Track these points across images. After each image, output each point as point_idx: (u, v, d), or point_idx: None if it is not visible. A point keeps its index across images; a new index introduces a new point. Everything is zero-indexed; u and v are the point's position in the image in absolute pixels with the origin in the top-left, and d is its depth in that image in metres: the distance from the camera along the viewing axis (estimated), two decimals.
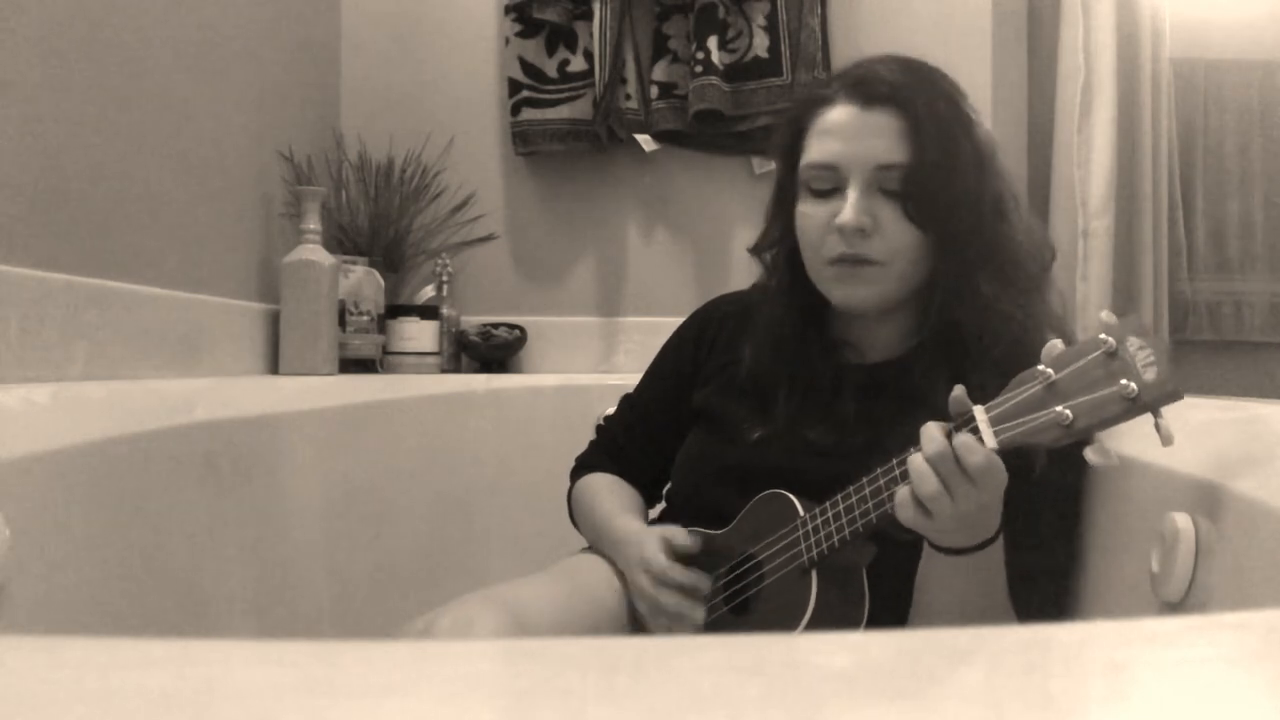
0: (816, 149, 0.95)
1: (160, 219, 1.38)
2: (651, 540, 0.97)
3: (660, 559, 0.95)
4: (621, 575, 1.02)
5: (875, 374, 0.99)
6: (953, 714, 0.25)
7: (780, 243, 1.02)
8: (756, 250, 1.06)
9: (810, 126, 0.96)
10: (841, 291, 0.95)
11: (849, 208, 0.91)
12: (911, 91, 0.92)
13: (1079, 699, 0.27)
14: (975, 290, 0.91)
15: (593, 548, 1.11)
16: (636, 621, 1.02)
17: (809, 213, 0.96)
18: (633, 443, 1.15)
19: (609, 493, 1.11)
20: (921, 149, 0.90)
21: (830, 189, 0.94)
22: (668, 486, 1.13)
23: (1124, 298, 2.00)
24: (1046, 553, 0.90)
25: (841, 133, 0.93)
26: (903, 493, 0.76)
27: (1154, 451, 0.82)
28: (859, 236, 0.91)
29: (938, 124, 0.91)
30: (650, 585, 0.95)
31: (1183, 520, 0.74)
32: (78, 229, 1.19)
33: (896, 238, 0.92)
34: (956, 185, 0.91)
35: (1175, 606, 0.74)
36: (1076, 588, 0.95)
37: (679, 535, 0.97)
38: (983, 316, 0.91)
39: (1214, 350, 2.48)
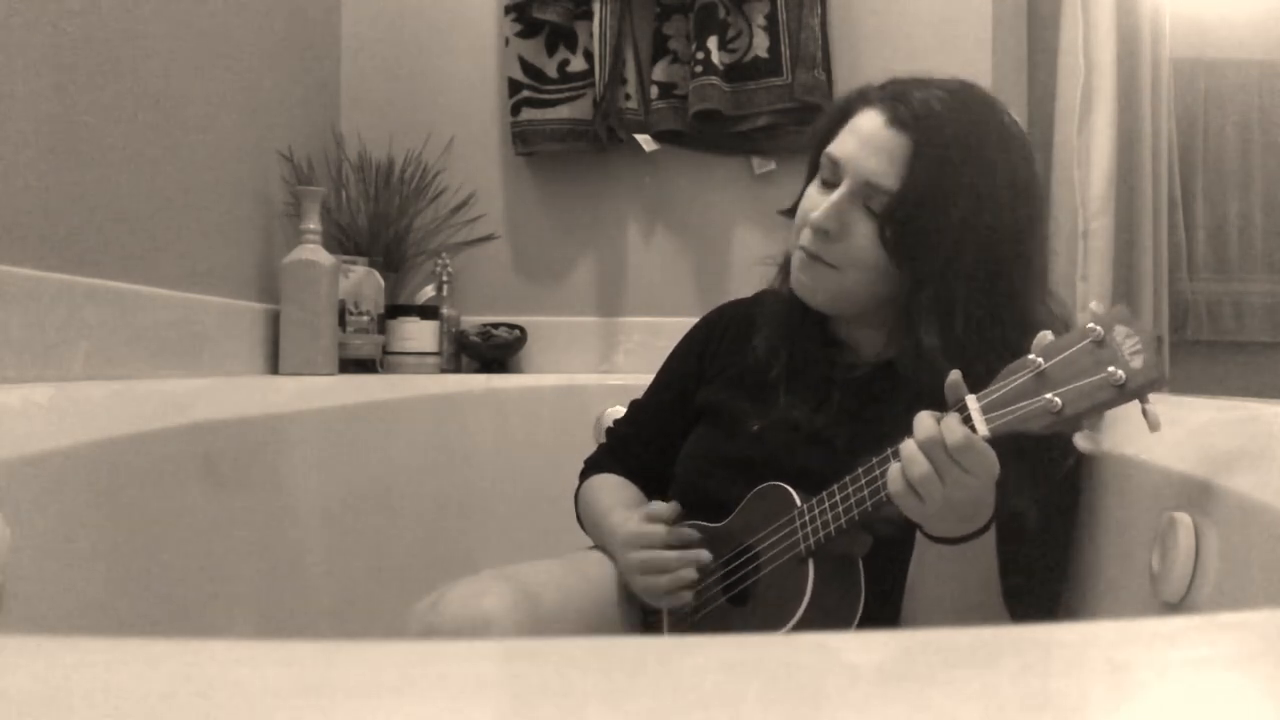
0: (837, 142, 0.96)
1: (160, 219, 1.38)
2: (634, 516, 1.00)
3: (643, 526, 0.98)
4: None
5: (868, 373, 1.00)
6: (953, 714, 0.25)
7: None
8: (789, 214, 1.06)
9: (849, 118, 0.97)
10: (796, 279, 0.97)
11: (822, 207, 0.93)
12: (934, 125, 0.90)
13: (1079, 699, 0.27)
14: (961, 320, 0.89)
15: (596, 547, 1.12)
16: (633, 613, 1.04)
17: (807, 195, 0.98)
18: (640, 445, 1.17)
19: (610, 491, 1.13)
20: (913, 183, 0.89)
21: (830, 181, 0.95)
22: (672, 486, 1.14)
23: (1124, 298, 2.01)
24: (1040, 546, 0.91)
25: (859, 136, 0.93)
26: (894, 468, 0.77)
27: (1154, 451, 0.82)
28: (821, 237, 0.93)
29: (943, 164, 0.89)
30: (640, 555, 0.97)
31: (1183, 520, 0.74)
32: (78, 229, 1.19)
33: (857, 252, 0.92)
34: (938, 224, 0.89)
35: (1175, 606, 0.74)
36: (1076, 587, 0.95)
37: (658, 506, 0.99)
38: (952, 356, 0.87)
39: (1214, 350, 2.48)
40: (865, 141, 0.92)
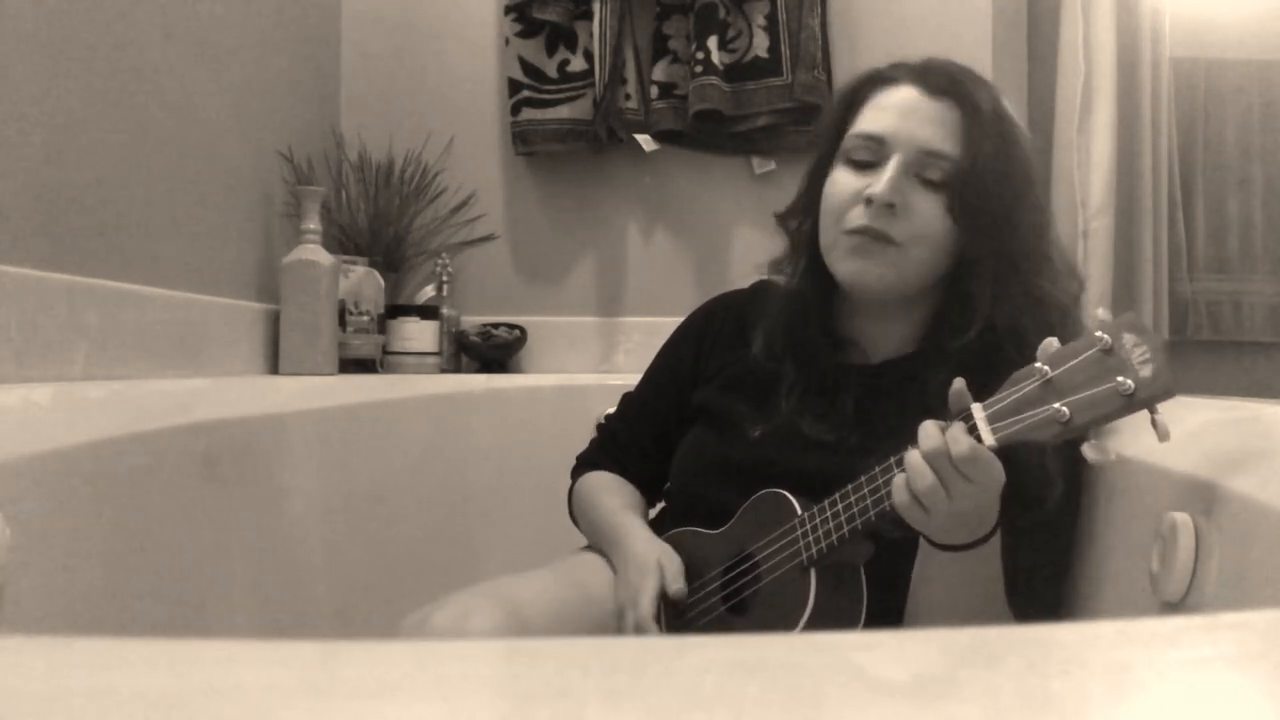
0: (868, 120, 0.95)
1: (160, 219, 1.38)
2: (651, 583, 0.94)
3: (649, 620, 0.93)
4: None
5: (877, 374, 0.99)
6: (953, 714, 0.25)
7: (807, 215, 1.01)
8: (783, 218, 1.05)
9: (867, 100, 0.96)
10: (850, 266, 0.93)
11: (884, 181, 0.90)
12: (972, 93, 0.93)
13: (1079, 699, 0.27)
14: (1015, 292, 0.90)
15: (592, 546, 1.11)
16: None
17: (840, 180, 0.95)
18: (633, 441, 1.15)
19: (609, 492, 1.11)
20: (975, 146, 0.90)
21: (870, 161, 0.93)
22: (668, 485, 1.13)
23: (1124, 298, 2.01)
24: (1044, 551, 0.91)
25: (898, 110, 0.93)
26: (899, 480, 0.76)
27: (1154, 451, 0.82)
28: (886, 212, 0.90)
29: (995, 127, 0.91)
30: (627, 622, 0.94)
31: (1183, 520, 0.74)
32: (78, 229, 1.19)
33: (922, 223, 0.91)
34: (1002, 189, 0.91)
35: (1175, 606, 0.74)
36: (1076, 588, 0.95)
37: (674, 582, 0.94)
38: (1024, 318, 0.89)
39: (1214, 350, 2.48)
40: (908, 113, 0.92)
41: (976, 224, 0.91)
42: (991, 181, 0.90)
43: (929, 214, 0.91)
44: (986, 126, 0.91)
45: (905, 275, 0.93)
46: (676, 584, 0.94)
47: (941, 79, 0.93)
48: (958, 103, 0.92)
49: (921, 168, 0.91)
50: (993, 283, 0.91)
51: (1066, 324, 0.88)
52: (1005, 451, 0.74)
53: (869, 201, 0.91)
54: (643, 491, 1.13)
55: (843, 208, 0.93)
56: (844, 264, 0.94)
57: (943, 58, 0.97)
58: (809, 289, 1.01)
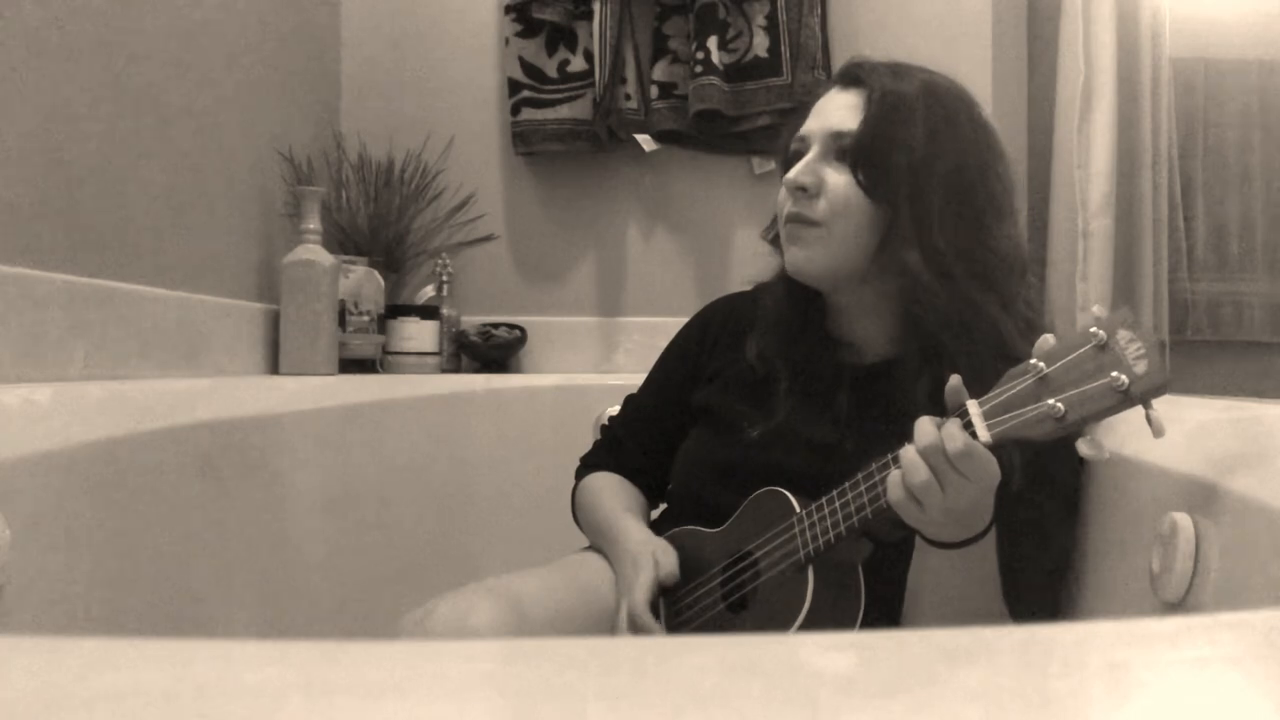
0: (802, 127, 1.01)
1: (160, 219, 1.38)
2: (646, 576, 0.96)
3: (643, 608, 0.94)
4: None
5: (871, 374, 0.99)
6: (953, 714, 0.25)
7: None
8: (767, 232, 1.08)
9: (808, 115, 1.02)
10: (788, 254, 0.99)
11: (795, 167, 0.96)
12: (884, 76, 0.97)
13: (1079, 699, 0.27)
14: (932, 283, 0.91)
15: (593, 546, 1.11)
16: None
17: (782, 181, 1.00)
18: (635, 443, 1.16)
19: (611, 493, 1.12)
20: (872, 120, 0.94)
21: (800, 153, 0.99)
22: (669, 485, 1.13)
23: (1124, 298, 2.00)
24: (1041, 549, 0.91)
25: (818, 110, 1.00)
26: (894, 475, 0.77)
27: (1154, 451, 0.82)
28: (802, 195, 0.96)
29: (897, 103, 0.95)
30: (624, 622, 0.95)
31: (1182, 520, 0.74)
32: (78, 229, 1.19)
33: (838, 200, 0.95)
34: (907, 161, 0.93)
35: (1175, 606, 0.74)
36: (1076, 588, 0.95)
37: (667, 570, 0.96)
38: (945, 311, 0.91)
39: (1214, 350, 2.48)
40: (824, 109, 0.99)
41: (879, 185, 0.93)
42: (890, 146, 0.93)
43: (842, 189, 0.95)
44: (885, 102, 0.94)
45: (835, 253, 0.96)
46: (668, 570, 0.96)
47: (854, 70, 0.99)
48: (864, 86, 0.97)
49: (836, 152, 0.96)
50: (918, 227, 0.92)
51: (1004, 301, 0.92)
52: (1000, 449, 0.75)
53: (787, 187, 0.97)
54: (645, 492, 1.14)
55: (781, 204, 0.99)
56: (786, 254, 0.99)
57: (867, 55, 1.02)
58: (794, 293, 1.02)
